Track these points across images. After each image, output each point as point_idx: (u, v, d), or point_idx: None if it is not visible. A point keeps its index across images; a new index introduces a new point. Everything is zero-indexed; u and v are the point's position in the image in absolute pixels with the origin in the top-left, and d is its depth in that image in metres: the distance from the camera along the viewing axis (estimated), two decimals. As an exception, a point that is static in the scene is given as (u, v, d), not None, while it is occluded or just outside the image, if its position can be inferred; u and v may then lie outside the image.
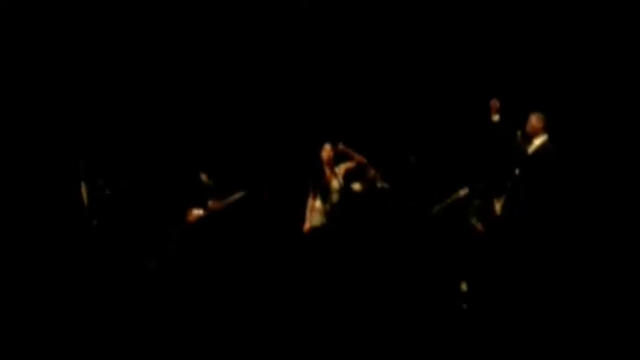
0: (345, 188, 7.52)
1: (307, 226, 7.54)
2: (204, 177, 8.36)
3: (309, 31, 9.43)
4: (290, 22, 9.44)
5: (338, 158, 7.66)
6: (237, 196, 8.19)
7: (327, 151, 7.62)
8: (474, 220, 7.20)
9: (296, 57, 9.46)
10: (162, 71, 9.42)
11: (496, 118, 7.15)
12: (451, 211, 7.43)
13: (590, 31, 8.44)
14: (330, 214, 7.47)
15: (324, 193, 7.51)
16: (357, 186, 7.62)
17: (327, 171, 7.61)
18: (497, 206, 7.19)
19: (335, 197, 7.51)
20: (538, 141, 7.03)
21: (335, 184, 7.57)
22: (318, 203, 7.56)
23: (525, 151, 7.05)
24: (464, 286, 6.90)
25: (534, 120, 7.04)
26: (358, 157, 7.61)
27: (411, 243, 7.42)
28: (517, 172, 7.06)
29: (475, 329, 6.06)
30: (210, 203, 8.20)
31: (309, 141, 8.09)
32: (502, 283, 6.69)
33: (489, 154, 7.54)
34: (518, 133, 7.11)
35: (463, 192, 7.37)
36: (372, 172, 7.59)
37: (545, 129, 7.02)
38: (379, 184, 7.57)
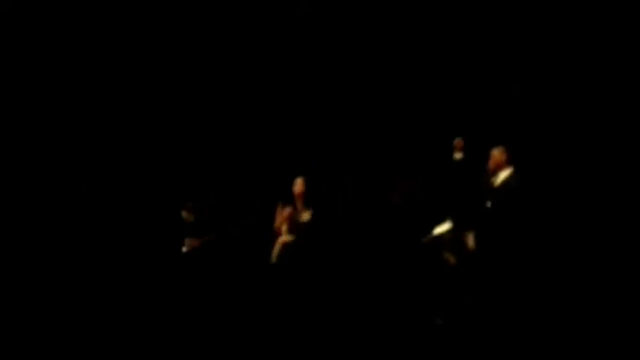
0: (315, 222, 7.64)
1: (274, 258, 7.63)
2: (184, 214, 8.71)
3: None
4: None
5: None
6: (211, 236, 8.52)
7: (299, 185, 7.75)
8: (447, 254, 7.38)
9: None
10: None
11: (459, 156, 7.43)
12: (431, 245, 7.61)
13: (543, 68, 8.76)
14: (298, 247, 7.59)
15: (293, 227, 7.66)
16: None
17: (299, 204, 7.74)
18: (470, 240, 7.39)
19: (304, 231, 7.64)
20: (504, 174, 7.31)
21: (306, 216, 7.70)
22: (285, 237, 7.70)
23: (492, 184, 7.31)
24: (439, 320, 6.95)
25: (497, 154, 7.30)
26: None
27: (381, 278, 7.52)
28: (488, 205, 7.31)
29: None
30: (187, 241, 8.52)
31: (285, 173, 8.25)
32: (478, 313, 6.80)
33: (458, 190, 7.74)
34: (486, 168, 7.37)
35: (447, 225, 7.53)
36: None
37: (509, 162, 7.31)
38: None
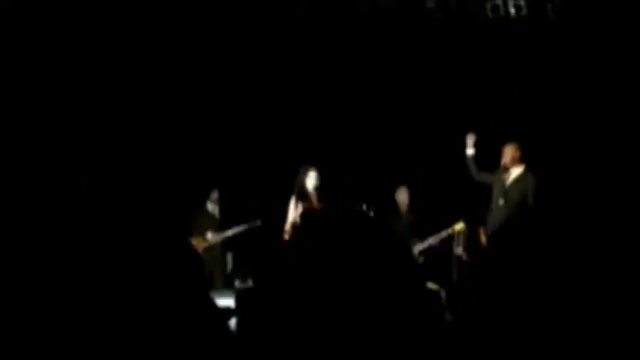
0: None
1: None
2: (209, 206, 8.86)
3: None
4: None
5: None
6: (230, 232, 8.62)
7: (311, 177, 7.53)
8: (459, 250, 7.40)
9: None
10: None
11: (471, 152, 7.46)
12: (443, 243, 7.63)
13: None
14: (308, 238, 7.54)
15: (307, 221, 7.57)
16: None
17: (313, 198, 7.54)
18: (483, 237, 7.43)
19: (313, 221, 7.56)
20: (516, 171, 7.36)
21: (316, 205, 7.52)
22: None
23: (505, 181, 7.35)
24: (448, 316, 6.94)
25: (510, 150, 7.36)
26: None
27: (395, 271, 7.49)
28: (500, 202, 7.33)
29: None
30: (209, 236, 8.61)
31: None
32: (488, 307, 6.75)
33: (471, 187, 7.75)
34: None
35: (459, 226, 7.54)
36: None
37: (522, 159, 7.36)
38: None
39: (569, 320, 6.19)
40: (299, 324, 6.51)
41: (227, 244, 9.10)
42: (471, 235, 7.50)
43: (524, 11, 8.52)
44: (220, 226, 8.94)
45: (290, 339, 6.53)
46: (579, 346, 5.66)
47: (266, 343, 6.47)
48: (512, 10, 8.52)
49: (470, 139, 7.49)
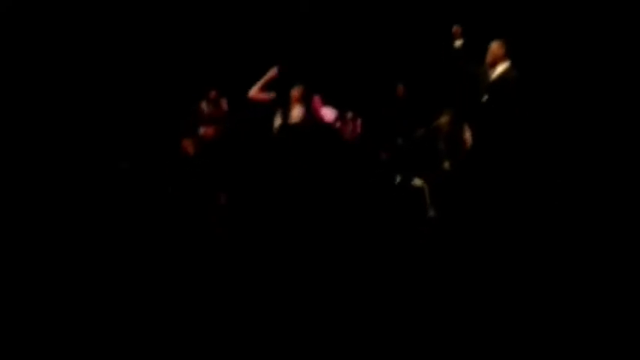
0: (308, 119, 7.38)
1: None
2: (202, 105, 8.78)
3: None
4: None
5: None
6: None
7: (297, 90, 7.41)
8: (441, 145, 7.42)
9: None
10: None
11: (459, 43, 7.37)
12: (430, 137, 7.67)
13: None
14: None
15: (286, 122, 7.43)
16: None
17: (295, 105, 7.39)
18: (467, 134, 7.45)
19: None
20: (500, 68, 7.21)
21: (297, 112, 7.36)
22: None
23: (489, 78, 7.26)
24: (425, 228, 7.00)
25: (495, 47, 7.12)
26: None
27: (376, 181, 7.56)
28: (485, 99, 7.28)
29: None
30: (202, 130, 8.23)
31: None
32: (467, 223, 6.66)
33: (457, 82, 7.70)
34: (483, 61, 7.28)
35: (445, 118, 7.58)
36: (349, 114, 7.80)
37: (507, 56, 7.19)
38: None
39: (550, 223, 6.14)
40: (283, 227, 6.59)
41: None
42: (456, 130, 7.52)
43: None
44: None
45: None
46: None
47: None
48: None
49: (457, 31, 7.41)
